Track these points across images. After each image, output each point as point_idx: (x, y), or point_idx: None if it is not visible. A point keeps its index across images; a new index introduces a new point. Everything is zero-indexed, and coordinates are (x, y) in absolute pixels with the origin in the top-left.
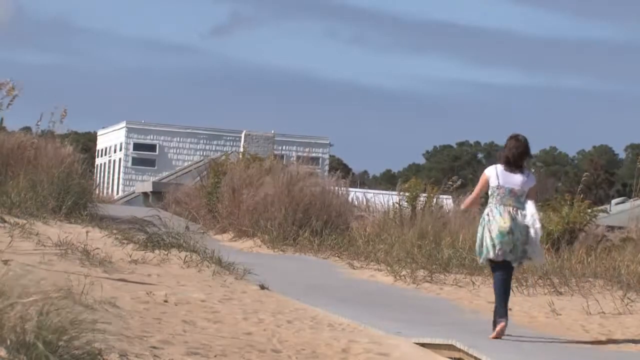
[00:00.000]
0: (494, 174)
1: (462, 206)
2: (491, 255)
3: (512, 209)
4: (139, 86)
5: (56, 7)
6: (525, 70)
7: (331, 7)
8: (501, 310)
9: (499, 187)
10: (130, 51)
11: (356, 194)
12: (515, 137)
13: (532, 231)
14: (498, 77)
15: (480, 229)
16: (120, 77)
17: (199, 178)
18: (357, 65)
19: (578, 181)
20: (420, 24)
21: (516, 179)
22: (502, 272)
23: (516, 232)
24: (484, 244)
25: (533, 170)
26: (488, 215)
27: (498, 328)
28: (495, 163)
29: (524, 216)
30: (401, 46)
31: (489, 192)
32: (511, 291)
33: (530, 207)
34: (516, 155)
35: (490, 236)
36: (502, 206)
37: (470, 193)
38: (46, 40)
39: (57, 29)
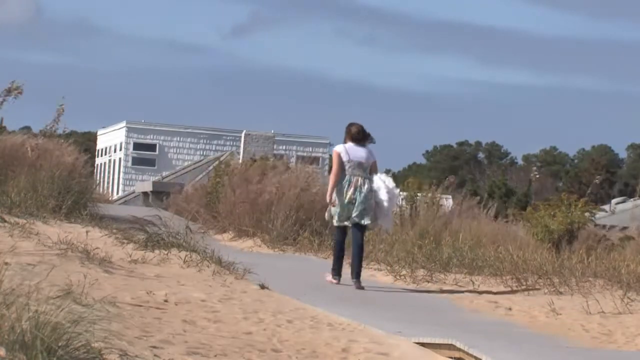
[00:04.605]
0: (344, 150)
1: (330, 183)
2: (343, 222)
3: (361, 179)
4: (142, 86)
5: (75, 7)
6: (535, 71)
7: (343, 7)
8: (337, 267)
9: (349, 160)
10: (139, 51)
11: None
12: (354, 123)
13: (387, 201)
14: (508, 77)
15: (338, 198)
16: (124, 77)
17: (199, 178)
18: (367, 65)
19: (579, 181)
20: (430, 24)
21: (362, 153)
22: (344, 233)
23: (362, 200)
24: (339, 211)
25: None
26: (339, 185)
27: (334, 280)
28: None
29: (372, 187)
30: (412, 46)
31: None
32: (512, 290)
33: (384, 179)
34: (359, 135)
35: (340, 205)
36: (352, 177)
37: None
38: (60, 41)
39: (74, 30)
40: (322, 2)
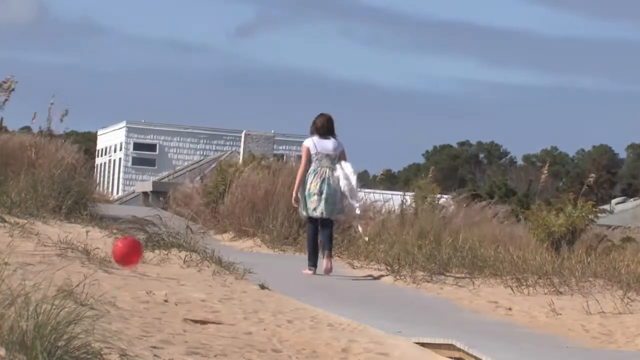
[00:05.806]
0: (312, 144)
1: (297, 178)
2: (309, 213)
3: (329, 170)
4: (142, 86)
5: (79, 7)
6: (535, 71)
7: (345, 7)
8: (312, 259)
9: (317, 153)
10: (140, 51)
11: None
12: (321, 115)
13: (345, 188)
14: (508, 77)
15: (302, 191)
16: (124, 77)
17: (200, 178)
18: (368, 65)
19: (580, 181)
20: (431, 24)
21: (329, 145)
22: (315, 227)
23: (329, 191)
24: (304, 203)
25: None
26: (307, 178)
27: (310, 271)
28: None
29: (338, 177)
30: (413, 46)
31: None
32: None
33: (343, 167)
34: (325, 127)
35: (307, 197)
36: (320, 168)
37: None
38: (62, 40)
39: (77, 30)
40: (324, 2)
